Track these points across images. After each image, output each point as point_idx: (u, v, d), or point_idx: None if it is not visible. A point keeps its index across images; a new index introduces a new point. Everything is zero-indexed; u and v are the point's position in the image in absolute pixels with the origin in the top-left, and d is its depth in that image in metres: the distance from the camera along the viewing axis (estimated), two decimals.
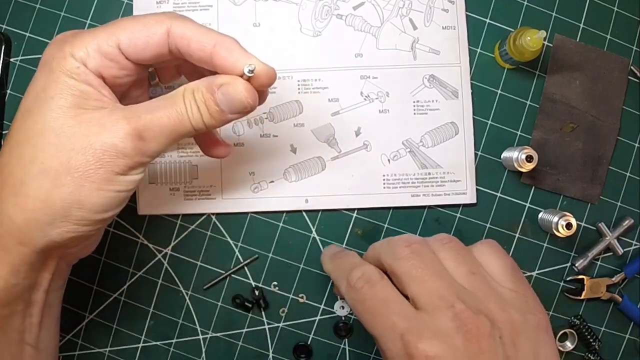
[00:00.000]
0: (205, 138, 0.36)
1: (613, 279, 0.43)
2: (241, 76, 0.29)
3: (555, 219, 0.40)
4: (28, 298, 0.30)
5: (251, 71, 0.28)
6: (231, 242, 0.43)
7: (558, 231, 0.40)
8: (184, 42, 0.29)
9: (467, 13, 0.43)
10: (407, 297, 0.31)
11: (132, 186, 0.29)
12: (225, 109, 0.29)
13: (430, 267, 0.31)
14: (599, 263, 0.44)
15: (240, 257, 0.43)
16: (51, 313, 0.33)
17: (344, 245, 0.43)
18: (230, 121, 0.30)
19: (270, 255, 0.43)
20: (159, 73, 0.36)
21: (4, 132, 0.43)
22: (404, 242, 0.33)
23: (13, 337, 0.30)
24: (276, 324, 0.43)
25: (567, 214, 0.40)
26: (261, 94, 0.31)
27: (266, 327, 0.43)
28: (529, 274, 0.43)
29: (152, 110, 0.28)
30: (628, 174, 0.44)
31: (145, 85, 0.35)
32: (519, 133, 0.43)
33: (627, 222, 0.43)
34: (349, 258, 0.36)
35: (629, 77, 0.44)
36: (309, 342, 0.43)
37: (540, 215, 0.43)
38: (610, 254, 0.44)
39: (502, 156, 0.43)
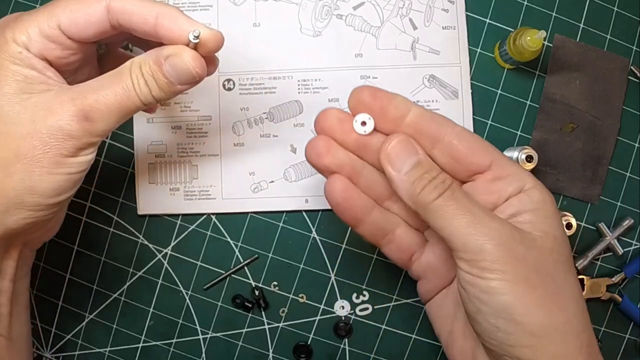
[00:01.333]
0: None
1: (613, 279, 0.43)
2: (188, 45, 0.28)
3: None
4: None
5: (196, 37, 0.27)
6: (231, 242, 0.43)
7: None
8: (125, 16, 0.28)
9: (467, 13, 0.43)
10: None
11: (83, 167, 0.29)
12: (174, 81, 0.28)
13: None
14: (599, 263, 0.44)
15: (240, 257, 0.43)
16: (19, 301, 0.33)
17: (343, 246, 0.43)
18: (180, 92, 0.29)
19: (270, 255, 0.43)
20: (109, 47, 0.35)
21: None
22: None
23: None
24: (276, 324, 0.43)
25: (567, 213, 0.40)
26: (210, 62, 0.31)
27: (266, 327, 0.43)
28: None
29: (98, 88, 0.28)
30: (628, 174, 0.44)
31: (95, 61, 0.34)
32: (519, 133, 0.43)
33: (627, 222, 0.43)
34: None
35: (629, 77, 0.44)
36: (309, 342, 0.43)
37: None
38: (610, 254, 0.44)
39: None
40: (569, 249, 0.29)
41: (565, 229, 0.40)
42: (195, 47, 0.28)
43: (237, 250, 0.43)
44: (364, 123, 0.30)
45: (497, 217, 0.28)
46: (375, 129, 0.31)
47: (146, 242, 0.43)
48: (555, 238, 0.28)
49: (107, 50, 0.35)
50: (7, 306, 0.31)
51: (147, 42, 0.32)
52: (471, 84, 0.43)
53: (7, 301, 0.31)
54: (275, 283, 0.43)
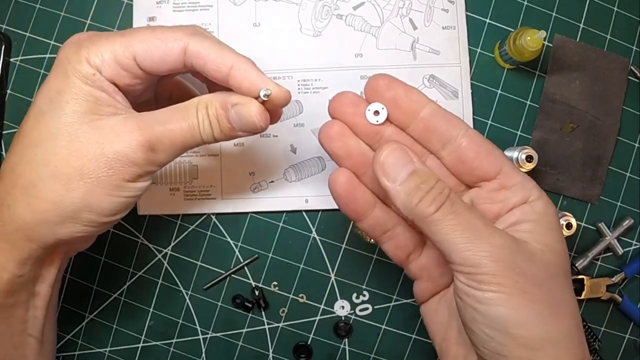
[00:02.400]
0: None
1: (613, 279, 0.43)
2: (256, 98, 0.29)
3: None
4: (32, 289, 0.31)
5: (267, 96, 0.29)
6: (231, 242, 0.43)
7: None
8: (199, 61, 0.29)
9: (467, 13, 0.43)
10: None
11: (140, 192, 0.30)
12: (236, 127, 0.30)
13: None
14: (599, 263, 0.44)
15: (240, 257, 0.43)
16: (52, 305, 0.33)
17: (343, 246, 0.43)
18: (239, 137, 0.31)
19: (270, 255, 0.43)
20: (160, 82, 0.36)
21: (4, 132, 0.44)
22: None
23: (16, 328, 0.31)
24: (276, 324, 0.43)
25: (567, 213, 0.40)
26: (274, 114, 0.32)
27: (266, 327, 0.43)
28: None
29: (165, 121, 0.29)
30: (628, 174, 0.44)
31: (154, 87, 0.35)
32: (519, 133, 0.43)
33: (627, 222, 0.43)
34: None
35: (629, 77, 0.44)
36: (309, 342, 0.43)
37: None
38: (610, 254, 0.44)
39: None
40: (568, 263, 0.29)
41: (565, 229, 0.40)
42: (263, 102, 0.29)
43: (237, 250, 0.43)
44: (376, 112, 0.30)
45: (497, 231, 0.27)
46: (388, 120, 0.30)
47: (146, 242, 0.43)
48: (556, 252, 0.28)
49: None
50: (43, 310, 0.32)
51: (208, 82, 0.33)
52: (471, 84, 0.43)
53: (44, 305, 0.32)
54: (275, 283, 0.43)
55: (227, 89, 0.31)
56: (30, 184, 0.28)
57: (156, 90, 0.35)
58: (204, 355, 0.43)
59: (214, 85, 0.33)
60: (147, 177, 0.30)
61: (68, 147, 0.27)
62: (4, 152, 0.44)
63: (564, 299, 0.27)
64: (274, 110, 0.31)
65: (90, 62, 0.28)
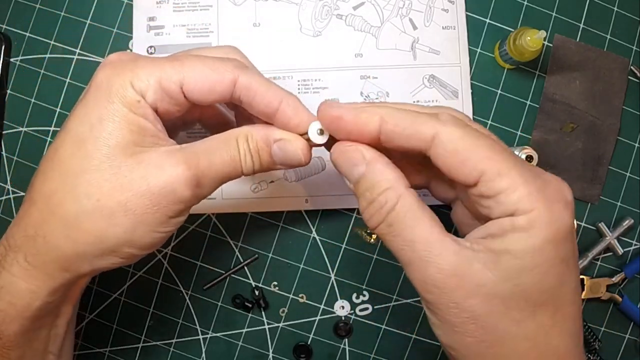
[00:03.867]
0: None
1: (613, 279, 0.43)
2: (302, 134, 0.29)
3: None
4: (57, 311, 0.31)
5: (320, 131, 0.28)
6: (231, 242, 0.43)
7: None
8: (249, 94, 0.28)
9: (467, 13, 0.43)
10: None
11: (178, 226, 0.29)
12: (277, 162, 0.29)
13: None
14: (599, 263, 0.44)
15: (240, 257, 0.43)
16: (71, 322, 0.33)
17: (343, 246, 0.43)
18: (276, 170, 0.31)
19: (270, 255, 0.43)
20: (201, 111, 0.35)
21: (4, 132, 0.44)
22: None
23: (39, 348, 0.30)
24: (276, 324, 0.43)
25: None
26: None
27: (266, 327, 0.43)
28: None
29: (208, 154, 0.28)
30: (628, 174, 0.44)
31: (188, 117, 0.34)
32: (519, 133, 0.43)
33: (627, 222, 0.43)
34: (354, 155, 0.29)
35: (629, 77, 0.44)
36: (309, 342, 0.43)
37: None
38: (610, 254, 0.44)
39: None
40: (555, 293, 0.24)
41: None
42: (308, 139, 0.29)
43: (237, 250, 0.43)
44: (321, 131, 0.29)
45: (445, 250, 0.24)
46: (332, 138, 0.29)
47: None
48: (533, 283, 0.24)
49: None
50: (64, 327, 0.32)
51: (245, 116, 0.32)
52: (471, 84, 0.43)
53: (65, 323, 0.32)
54: (275, 283, 0.43)
55: (255, 117, 0.30)
56: (71, 215, 0.27)
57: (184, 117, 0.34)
58: (204, 355, 0.43)
59: (242, 114, 0.32)
60: (187, 211, 0.29)
61: (112, 180, 0.26)
62: (4, 152, 0.44)
63: (510, 336, 0.24)
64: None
65: (135, 87, 0.27)
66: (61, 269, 0.28)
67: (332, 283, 0.43)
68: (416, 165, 0.31)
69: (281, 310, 0.43)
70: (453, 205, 0.32)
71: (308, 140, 0.29)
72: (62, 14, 0.43)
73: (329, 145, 0.29)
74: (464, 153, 0.25)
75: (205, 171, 0.27)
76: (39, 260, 0.27)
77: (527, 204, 0.24)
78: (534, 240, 0.23)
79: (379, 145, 0.27)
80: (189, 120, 0.35)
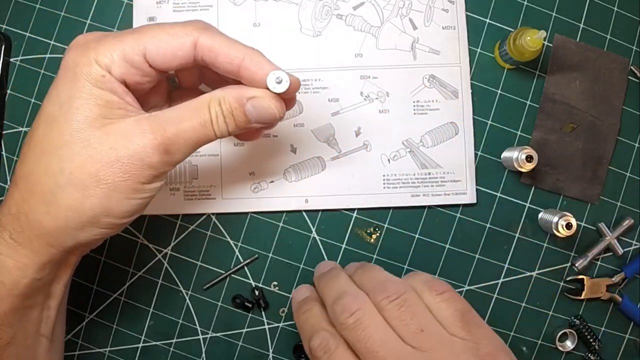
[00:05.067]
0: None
1: (613, 279, 0.43)
2: (267, 88, 0.30)
3: (555, 219, 0.40)
4: (48, 290, 0.31)
5: (279, 80, 0.29)
6: (231, 242, 0.43)
7: (558, 231, 0.40)
8: (211, 54, 0.29)
9: (467, 13, 0.43)
10: None
11: (155, 192, 0.30)
12: (252, 120, 0.30)
13: (375, 335, 0.30)
14: (599, 263, 0.44)
15: (240, 257, 0.43)
16: (62, 304, 0.34)
17: (343, 246, 0.43)
18: (254, 128, 0.31)
19: (270, 255, 0.43)
20: (180, 76, 0.36)
21: (4, 132, 0.44)
22: (344, 310, 0.31)
23: (30, 329, 0.31)
24: (276, 324, 0.43)
25: (567, 214, 0.40)
26: (289, 102, 0.32)
27: (266, 327, 0.43)
28: (528, 274, 0.43)
29: (178, 121, 0.29)
30: (628, 174, 0.44)
31: (164, 88, 0.35)
32: (519, 133, 0.43)
33: (627, 222, 0.43)
34: (312, 318, 0.35)
35: (629, 77, 0.44)
36: None
37: (540, 215, 0.43)
38: (610, 254, 0.44)
39: (502, 156, 0.43)
40: None
41: (565, 229, 0.40)
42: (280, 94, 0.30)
43: (237, 250, 0.43)
44: (279, 79, 0.30)
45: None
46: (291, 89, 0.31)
47: (146, 242, 0.43)
48: None
49: (178, 85, 0.37)
50: (55, 309, 0.32)
51: (217, 79, 0.34)
52: (471, 84, 0.43)
53: (56, 305, 0.32)
54: (275, 283, 0.43)
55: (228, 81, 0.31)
56: (48, 192, 0.28)
57: (172, 102, 0.36)
58: (204, 355, 0.43)
59: (218, 86, 0.33)
60: (162, 177, 0.30)
61: (82, 153, 0.27)
62: (4, 152, 0.44)
63: None
64: (287, 98, 0.31)
65: (99, 63, 0.28)
66: (46, 245, 0.29)
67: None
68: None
69: (281, 310, 0.43)
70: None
71: (281, 94, 0.30)
72: (62, 14, 0.43)
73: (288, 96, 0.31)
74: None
75: (173, 137, 0.28)
76: (24, 237, 0.28)
77: None
78: None
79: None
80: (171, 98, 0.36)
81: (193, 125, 0.29)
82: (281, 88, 0.29)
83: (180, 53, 0.29)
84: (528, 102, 0.43)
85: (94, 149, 0.27)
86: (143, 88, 0.30)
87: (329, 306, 0.33)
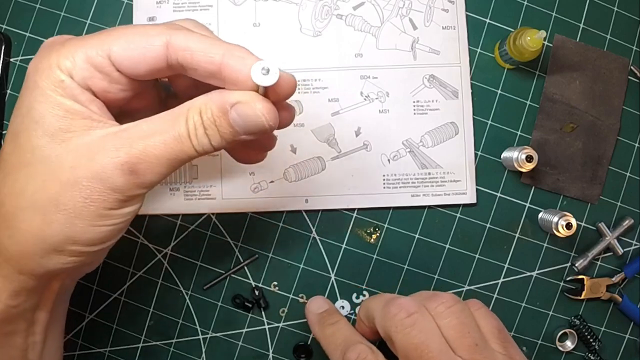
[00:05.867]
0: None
1: (613, 279, 0.43)
2: (257, 91, 0.25)
3: (555, 219, 0.40)
4: (30, 317, 0.29)
5: (266, 70, 0.23)
6: (231, 242, 0.43)
7: (558, 231, 0.40)
8: (186, 54, 0.25)
9: (467, 13, 0.43)
10: None
11: (128, 217, 0.27)
12: (239, 130, 0.25)
13: (432, 342, 0.29)
14: (599, 263, 0.44)
15: (240, 257, 0.43)
16: (54, 328, 0.32)
17: (343, 246, 0.43)
18: (244, 141, 0.26)
19: (270, 255, 0.43)
20: (174, 83, 0.31)
21: (4, 132, 0.44)
22: (402, 309, 0.30)
23: (15, 355, 0.29)
24: (276, 324, 0.43)
25: (567, 214, 0.40)
26: (284, 110, 0.27)
27: (266, 327, 0.43)
28: (528, 274, 0.43)
29: (147, 135, 0.24)
30: (628, 174, 0.44)
31: (152, 97, 0.31)
32: (519, 133, 0.43)
33: (627, 222, 0.43)
34: (341, 331, 0.34)
35: (629, 77, 0.44)
36: (309, 342, 0.43)
37: (540, 215, 0.43)
38: (610, 254, 0.44)
39: (502, 156, 0.43)
40: None
41: (565, 229, 0.40)
42: (266, 94, 0.25)
43: (237, 250, 0.43)
44: (267, 70, 0.24)
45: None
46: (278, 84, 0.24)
47: (146, 242, 0.43)
48: None
49: (173, 94, 0.32)
50: (41, 334, 0.30)
51: (202, 90, 0.28)
52: (471, 84, 0.43)
53: (42, 330, 0.30)
54: (275, 283, 0.43)
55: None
56: (10, 214, 0.25)
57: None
58: (204, 355, 0.43)
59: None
60: (133, 201, 0.26)
61: (42, 173, 0.24)
62: None
63: None
64: (280, 102, 0.26)
65: (60, 67, 0.24)
66: (15, 271, 0.26)
67: (332, 283, 0.43)
68: None
69: (281, 310, 0.43)
70: None
71: (266, 94, 0.25)
72: (62, 14, 0.43)
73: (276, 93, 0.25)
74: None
75: (141, 156, 0.24)
76: None
77: None
78: None
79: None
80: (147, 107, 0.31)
81: (165, 139, 0.24)
82: (269, 80, 0.23)
83: (149, 54, 0.25)
84: (528, 102, 0.43)
85: (53, 168, 0.24)
86: (116, 98, 0.26)
87: (381, 308, 0.31)
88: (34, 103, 0.25)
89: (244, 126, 0.25)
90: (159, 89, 0.31)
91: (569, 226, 0.40)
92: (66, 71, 0.25)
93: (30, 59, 0.43)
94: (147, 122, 0.25)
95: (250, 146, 0.31)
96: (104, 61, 0.25)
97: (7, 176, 0.26)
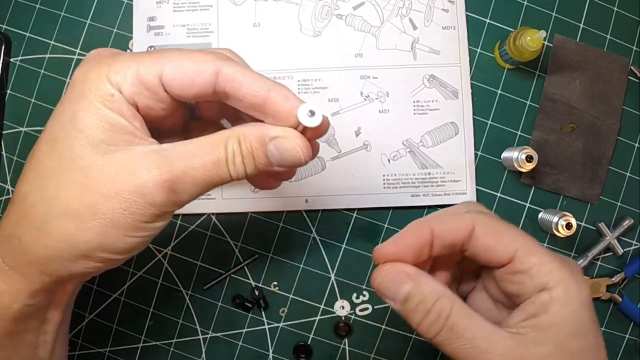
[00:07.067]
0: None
1: (613, 279, 0.43)
2: (295, 127, 0.27)
3: (555, 219, 0.40)
4: (43, 316, 0.30)
5: (312, 113, 0.26)
6: (231, 242, 0.43)
7: (558, 231, 0.40)
8: (234, 85, 0.26)
9: (467, 13, 0.43)
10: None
11: (158, 230, 0.28)
12: (274, 162, 0.27)
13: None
14: (599, 263, 0.44)
15: (240, 257, 0.43)
16: (63, 328, 0.32)
17: (343, 246, 0.43)
18: (274, 172, 0.28)
19: (270, 255, 0.43)
20: (199, 106, 0.32)
21: (4, 132, 0.44)
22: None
23: (26, 353, 0.30)
24: (276, 324, 0.43)
25: (567, 214, 0.40)
26: (313, 146, 0.29)
27: (266, 327, 0.43)
28: None
29: (187, 157, 0.26)
30: (628, 174, 0.44)
31: (180, 117, 0.32)
32: (519, 133, 0.43)
33: (627, 222, 0.43)
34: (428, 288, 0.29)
35: (629, 77, 0.44)
36: (309, 342, 0.43)
37: (540, 215, 0.43)
38: (610, 254, 0.44)
39: (502, 156, 0.43)
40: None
41: (565, 229, 0.40)
42: (303, 131, 0.27)
43: (237, 250, 0.43)
44: (312, 112, 0.26)
45: (501, 339, 0.26)
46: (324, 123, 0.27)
47: None
48: (584, 349, 0.26)
49: (196, 117, 0.33)
50: (53, 334, 0.31)
51: (240, 121, 0.31)
52: (471, 84, 0.43)
53: (53, 329, 0.31)
54: (275, 283, 0.43)
55: (247, 118, 0.28)
56: (41, 218, 0.26)
57: (187, 134, 0.32)
58: (204, 355, 0.43)
59: (240, 123, 0.31)
60: (166, 216, 0.27)
61: (81, 181, 0.25)
62: (4, 152, 0.44)
63: None
64: (312, 140, 0.28)
65: (110, 80, 0.25)
66: (39, 272, 0.27)
67: (332, 283, 0.43)
68: (443, 265, 0.32)
69: (281, 310, 0.43)
70: (470, 296, 0.33)
71: (304, 132, 0.27)
72: (62, 14, 0.43)
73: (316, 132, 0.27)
74: (499, 234, 0.28)
75: (181, 176, 0.25)
76: (15, 261, 0.27)
77: (557, 275, 0.26)
78: (572, 307, 0.26)
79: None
80: (188, 129, 0.33)
81: (204, 162, 0.26)
82: (314, 122, 0.26)
83: (199, 80, 0.26)
84: (528, 102, 0.43)
85: (94, 178, 0.25)
86: (155, 115, 0.27)
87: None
88: (80, 112, 0.25)
89: (280, 158, 0.27)
90: (185, 111, 0.33)
91: (569, 226, 0.40)
92: (116, 85, 0.25)
93: (31, 59, 0.43)
94: (187, 144, 0.27)
95: (272, 175, 0.33)
96: (155, 80, 0.26)
97: (39, 179, 0.26)
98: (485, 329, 0.26)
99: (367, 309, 0.43)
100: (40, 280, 0.27)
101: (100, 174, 0.25)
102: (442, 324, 0.26)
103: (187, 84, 0.26)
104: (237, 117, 0.32)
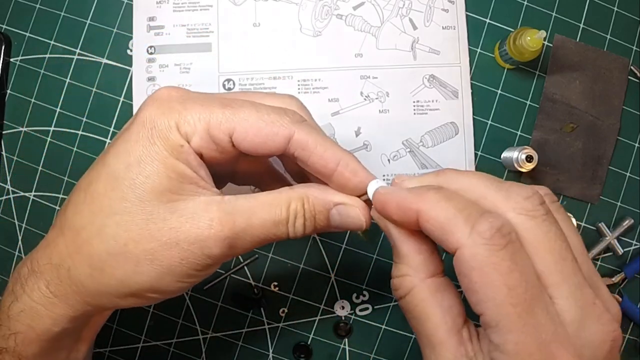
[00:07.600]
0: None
1: (613, 279, 0.43)
2: (360, 196, 0.27)
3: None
4: (78, 336, 0.31)
5: (384, 187, 0.27)
6: None
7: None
8: (304, 153, 0.26)
9: (467, 13, 0.43)
10: None
11: (207, 276, 0.28)
12: (333, 225, 0.28)
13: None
14: (599, 263, 0.44)
15: (240, 257, 0.43)
16: (91, 348, 0.33)
17: (343, 246, 0.43)
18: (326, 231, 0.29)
19: (270, 255, 0.43)
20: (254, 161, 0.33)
21: (4, 132, 0.44)
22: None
23: None
24: (276, 324, 0.43)
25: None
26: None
27: (266, 327, 0.43)
28: None
29: (248, 213, 0.26)
30: (628, 174, 0.44)
31: (236, 158, 0.32)
32: (519, 133, 0.43)
33: (627, 222, 0.43)
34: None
35: (629, 77, 0.44)
36: (309, 342, 0.43)
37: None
38: (610, 254, 0.44)
39: (502, 156, 0.43)
40: None
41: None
42: (366, 200, 0.27)
43: None
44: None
45: (448, 350, 0.23)
46: None
47: None
48: None
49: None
50: (84, 353, 0.31)
51: (297, 171, 0.31)
52: (471, 84, 0.43)
53: (86, 349, 0.31)
54: (275, 283, 0.43)
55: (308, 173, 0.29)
56: (97, 256, 0.26)
57: (235, 170, 0.33)
58: (204, 355, 0.43)
59: (296, 172, 0.31)
60: (217, 266, 0.28)
61: (142, 226, 0.25)
62: (4, 152, 0.44)
63: None
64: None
65: (180, 130, 0.25)
66: (83, 302, 0.27)
67: (332, 283, 0.43)
68: None
69: (281, 310, 0.43)
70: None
71: (367, 201, 0.27)
72: (62, 14, 0.43)
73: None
74: (485, 275, 0.22)
75: (241, 233, 0.26)
76: (61, 290, 0.27)
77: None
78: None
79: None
80: (240, 171, 0.33)
81: (264, 220, 0.26)
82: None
83: (270, 144, 0.26)
84: (528, 102, 0.43)
85: (155, 225, 0.25)
86: (218, 164, 0.28)
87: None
88: (148, 158, 0.25)
89: (340, 222, 0.28)
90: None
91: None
92: (185, 136, 0.25)
93: (31, 59, 0.43)
94: (250, 200, 0.27)
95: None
96: (225, 138, 0.26)
97: (97, 216, 0.26)
98: (434, 334, 0.24)
99: (367, 309, 0.43)
100: (83, 309, 0.27)
101: (162, 222, 0.25)
102: (398, 297, 0.25)
103: (258, 145, 0.26)
104: (295, 169, 0.32)
